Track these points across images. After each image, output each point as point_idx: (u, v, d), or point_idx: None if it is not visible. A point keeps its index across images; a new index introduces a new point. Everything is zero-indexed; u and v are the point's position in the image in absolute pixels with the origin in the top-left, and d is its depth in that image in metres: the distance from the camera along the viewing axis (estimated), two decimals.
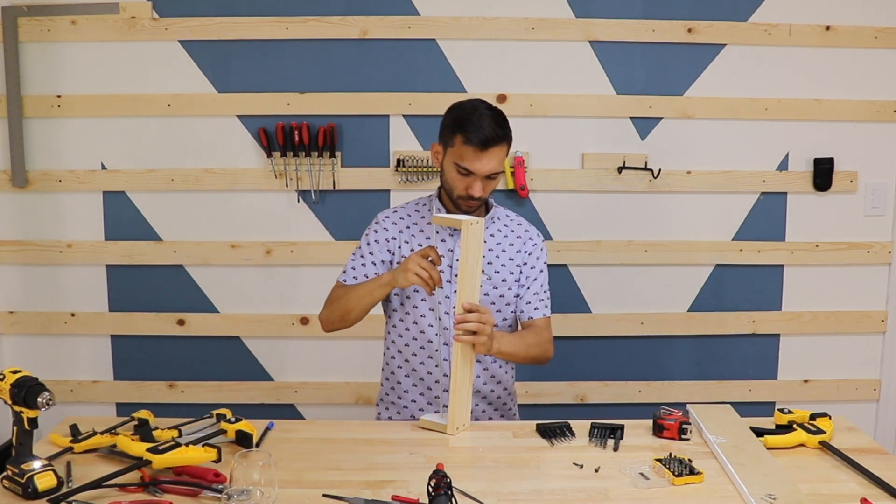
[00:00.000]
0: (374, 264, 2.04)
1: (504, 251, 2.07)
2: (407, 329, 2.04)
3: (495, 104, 2.71)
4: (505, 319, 2.08)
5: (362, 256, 2.06)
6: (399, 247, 2.05)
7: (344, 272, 2.07)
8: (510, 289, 2.06)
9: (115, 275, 2.81)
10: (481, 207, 2.07)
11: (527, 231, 2.12)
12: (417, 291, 2.01)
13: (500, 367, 2.10)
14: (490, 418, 2.10)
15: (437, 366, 2.02)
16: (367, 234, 2.08)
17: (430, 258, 1.87)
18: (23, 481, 1.44)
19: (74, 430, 1.69)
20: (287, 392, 2.87)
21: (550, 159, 2.79)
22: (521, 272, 2.08)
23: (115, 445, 1.65)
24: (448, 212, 2.04)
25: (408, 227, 2.07)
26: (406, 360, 2.06)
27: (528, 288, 2.08)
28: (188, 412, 1.88)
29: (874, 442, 1.81)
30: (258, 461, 1.36)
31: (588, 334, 2.88)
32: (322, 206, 2.79)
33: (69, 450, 1.65)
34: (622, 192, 2.81)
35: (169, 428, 1.73)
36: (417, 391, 2.06)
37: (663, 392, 2.90)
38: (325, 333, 2.08)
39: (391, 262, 2.05)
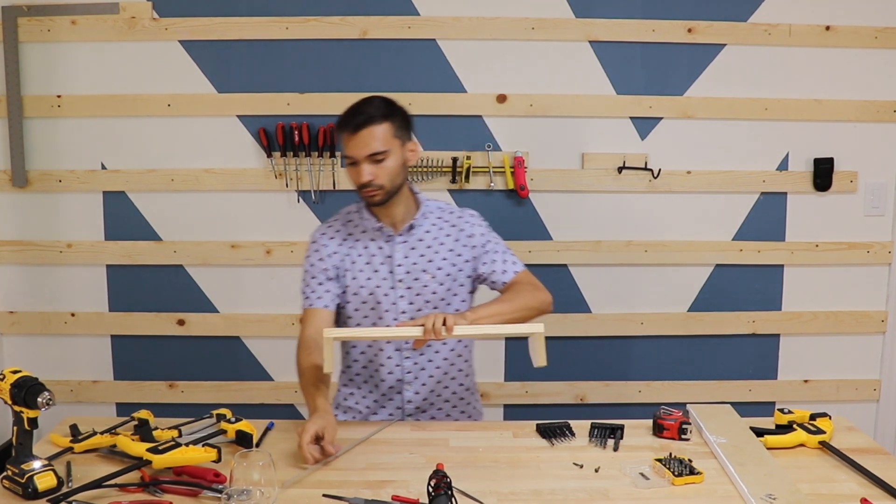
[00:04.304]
0: (329, 280, 2.00)
1: (442, 244, 2.02)
2: (370, 346, 2.05)
3: (495, 104, 2.74)
4: (461, 307, 2.05)
5: (313, 278, 2.01)
6: (342, 260, 2.02)
7: (306, 297, 2.02)
8: (455, 280, 2.02)
9: (115, 275, 2.81)
10: (403, 202, 1.99)
11: (460, 217, 2.07)
12: (365, 303, 1.99)
13: (452, 364, 2.07)
14: (448, 415, 2.08)
15: (390, 373, 2.02)
16: (308, 257, 2.03)
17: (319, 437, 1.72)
18: (23, 481, 1.45)
19: (74, 430, 1.69)
20: (287, 392, 2.87)
21: (550, 159, 2.79)
22: (460, 257, 2.02)
23: (115, 445, 1.65)
24: (377, 218, 2.00)
25: (344, 240, 2.03)
26: (364, 367, 2.07)
27: (489, 260, 2.04)
28: (188, 412, 1.88)
29: (874, 442, 1.81)
30: (258, 461, 1.36)
31: (588, 334, 2.88)
32: (322, 206, 2.79)
33: (69, 450, 1.65)
34: (622, 192, 2.81)
35: (169, 428, 1.73)
36: (373, 397, 2.07)
37: (663, 392, 2.90)
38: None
39: (337, 276, 2.01)
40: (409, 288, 1.99)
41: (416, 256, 1.99)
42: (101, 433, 1.69)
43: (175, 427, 1.74)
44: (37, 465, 1.48)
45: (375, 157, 1.89)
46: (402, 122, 1.96)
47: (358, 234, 2.03)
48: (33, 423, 1.49)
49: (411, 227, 2.01)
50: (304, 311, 2.05)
